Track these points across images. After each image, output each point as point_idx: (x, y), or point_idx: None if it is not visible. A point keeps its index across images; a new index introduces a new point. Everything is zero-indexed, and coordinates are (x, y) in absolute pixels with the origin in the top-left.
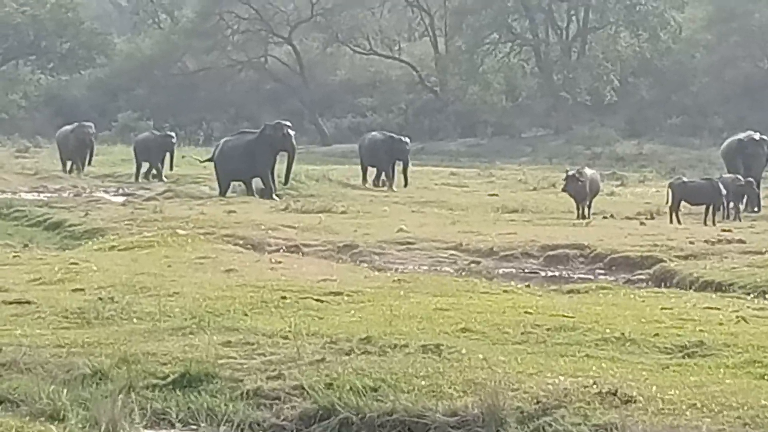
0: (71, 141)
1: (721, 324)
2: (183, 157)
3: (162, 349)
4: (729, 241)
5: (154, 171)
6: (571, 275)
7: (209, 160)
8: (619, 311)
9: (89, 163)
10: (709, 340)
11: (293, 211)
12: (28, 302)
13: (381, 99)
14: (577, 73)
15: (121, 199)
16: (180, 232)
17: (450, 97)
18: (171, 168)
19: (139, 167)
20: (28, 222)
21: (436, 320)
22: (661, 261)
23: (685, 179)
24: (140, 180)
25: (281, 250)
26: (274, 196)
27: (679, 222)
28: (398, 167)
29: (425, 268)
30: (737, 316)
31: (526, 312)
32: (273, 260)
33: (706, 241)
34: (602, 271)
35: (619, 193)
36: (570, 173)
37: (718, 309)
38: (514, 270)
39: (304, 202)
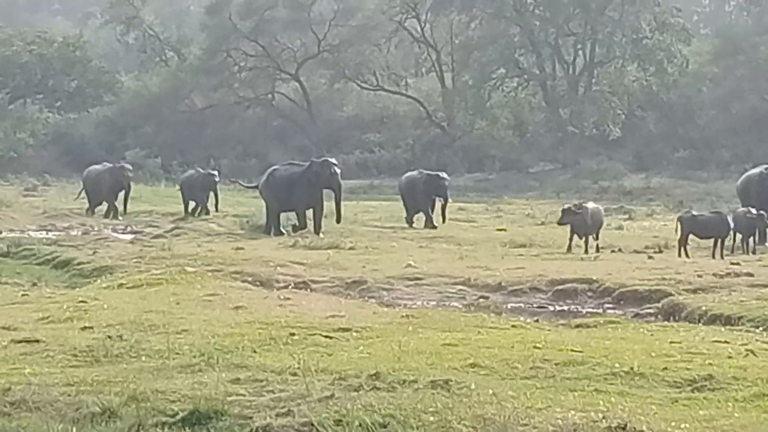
0: (106, 181)
1: (730, 357)
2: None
3: (171, 387)
4: (737, 275)
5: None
6: (580, 309)
7: (254, 186)
8: (627, 345)
9: (124, 208)
10: (718, 374)
11: (301, 248)
12: (37, 341)
13: (388, 135)
14: (584, 108)
15: (129, 236)
16: (188, 269)
17: (457, 132)
18: (217, 206)
19: (187, 204)
20: (36, 260)
21: (444, 356)
22: (670, 295)
23: (694, 213)
24: (196, 216)
25: (290, 287)
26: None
27: (687, 256)
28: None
29: (434, 303)
30: (746, 350)
31: (534, 347)
32: (281, 297)
33: (714, 275)
34: (611, 305)
35: (627, 227)
36: (566, 206)
37: (727, 342)
38: (522, 305)
39: (312, 238)
